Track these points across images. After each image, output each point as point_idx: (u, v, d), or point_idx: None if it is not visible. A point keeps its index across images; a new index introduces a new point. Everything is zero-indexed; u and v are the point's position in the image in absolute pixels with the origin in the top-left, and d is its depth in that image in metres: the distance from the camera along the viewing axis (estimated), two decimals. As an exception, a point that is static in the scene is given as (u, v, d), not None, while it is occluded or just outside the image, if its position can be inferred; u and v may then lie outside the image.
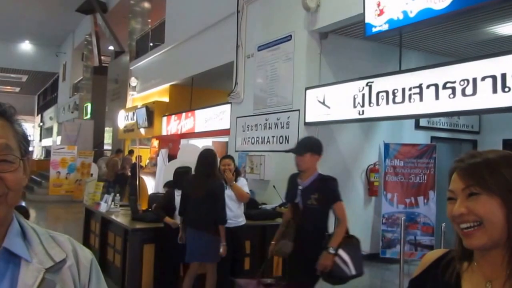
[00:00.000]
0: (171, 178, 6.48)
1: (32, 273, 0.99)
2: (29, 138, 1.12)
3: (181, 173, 5.66)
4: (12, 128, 1.05)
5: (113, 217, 6.52)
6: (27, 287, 0.98)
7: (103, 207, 6.95)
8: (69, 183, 15.99)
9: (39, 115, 37.18)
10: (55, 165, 16.03)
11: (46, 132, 34.37)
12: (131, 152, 15.40)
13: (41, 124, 35.62)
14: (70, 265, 1.06)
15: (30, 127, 38.95)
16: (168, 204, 5.45)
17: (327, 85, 7.47)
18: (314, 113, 7.59)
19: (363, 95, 6.76)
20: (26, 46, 29.88)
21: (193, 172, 5.56)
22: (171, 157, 10.70)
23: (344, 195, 7.84)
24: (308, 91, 7.70)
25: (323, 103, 7.40)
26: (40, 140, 35.65)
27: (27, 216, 4.65)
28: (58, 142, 22.88)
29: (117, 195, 7.36)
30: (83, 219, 8.12)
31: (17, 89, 37.02)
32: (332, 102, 7.26)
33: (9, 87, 36.38)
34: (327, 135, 7.86)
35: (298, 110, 7.82)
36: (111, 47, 20.75)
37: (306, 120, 7.71)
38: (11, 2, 21.43)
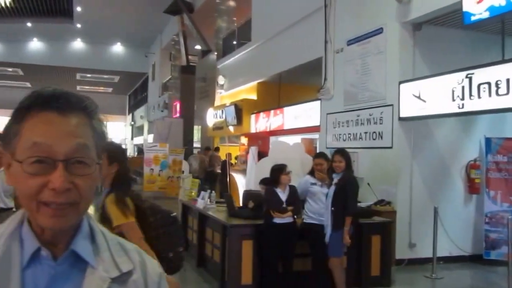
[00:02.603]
0: (263, 175, 6.56)
1: (97, 282, 0.92)
2: (106, 137, 1.01)
3: (277, 170, 5.70)
4: (91, 125, 0.95)
5: (210, 213, 6.73)
6: None
7: (200, 204, 7.18)
8: (162, 179, 16.56)
9: (130, 114, 39.06)
10: (149, 162, 16.67)
11: (137, 130, 36.04)
12: (217, 149, 15.76)
13: (132, 123, 37.38)
14: (136, 279, 0.97)
15: (122, 126, 41.08)
16: (275, 200, 5.51)
17: (422, 78, 7.21)
18: (409, 107, 7.35)
19: (463, 87, 6.45)
20: (117, 48, 31.53)
21: (288, 169, 5.63)
22: (261, 154, 10.82)
23: (442, 192, 7.64)
24: (402, 85, 7.47)
25: (419, 97, 7.15)
26: (132, 139, 37.44)
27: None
28: (149, 140, 23.86)
29: (213, 192, 7.56)
30: (179, 215, 8.43)
31: (110, 90, 39.20)
32: (429, 96, 6.99)
33: (102, 88, 38.64)
34: (423, 130, 7.61)
35: (392, 105, 7.62)
36: (198, 46, 21.33)
37: (401, 115, 7.49)
38: (104, 8, 22.73)
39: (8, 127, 0.92)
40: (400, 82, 7.46)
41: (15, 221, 0.95)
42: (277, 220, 5.45)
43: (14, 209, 5.25)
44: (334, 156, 5.42)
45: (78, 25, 26.19)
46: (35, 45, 29.82)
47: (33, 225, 0.93)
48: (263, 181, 6.19)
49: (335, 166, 5.35)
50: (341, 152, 5.45)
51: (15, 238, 0.92)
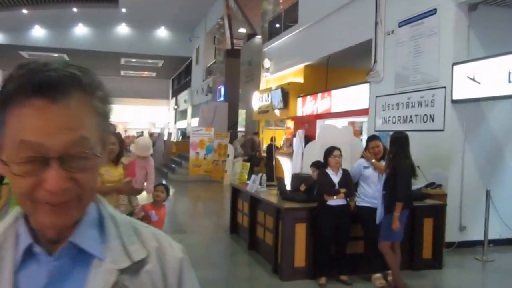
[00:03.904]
0: (311, 159, 6.59)
1: (102, 276, 0.81)
2: (110, 118, 0.86)
3: (326, 153, 5.74)
4: (92, 107, 0.80)
5: (262, 196, 6.83)
6: None
7: (251, 187, 7.28)
8: (207, 163, 16.78)
9: (174, 98, 39.46)
10: (194, 146, 16.91)
11: (180, 114, 36.37)
12: (256, 134, 15.83)
13: (176, 107, 37.75)
14: (151, 269, 0.86)
15: (165, 110, 41.58)
16: (327, 182, 5.58)
17: (477, 59, 7.04)
18: (463, 90, 7.20)
19: (521, 69, 6.27)
20: (162, 33, 31.75)
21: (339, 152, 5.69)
22: (307, 138, 10.85)
23: (494, 175, 7.49)
24: (455, 67, 7.32)
25: (473, 79, 6.99)
26: (175, 123, 37.88)
27: (169, 192, 5.01)
28: (193, 124, 24.09)
29: (264, 175, 7.65)
30: (226, 198, 8.53)
31: (154, 74, 39.64)
32: (483, 78, 6.83)
33: (146, 72, 39.13)
34: (476, 112, 7.47)
35: (445, 87, 7.49)
36: (243, 30, 21.36)
37: (454, 98, 7.35)
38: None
39: None
40: (454, 64, 7.31)
41: (11, 217, 0.86)
42: (330, 202, 5.52)
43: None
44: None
45: (123, 10, 26.46)
46: (81, 30, 30.20)
47: (32, 221, 0.82)
48: (315, 164, 6.24)
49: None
50: (391, 136, 5.52)
51: (10, 235, 0.83)
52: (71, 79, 0.77)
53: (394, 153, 5.27)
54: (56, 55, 31.88)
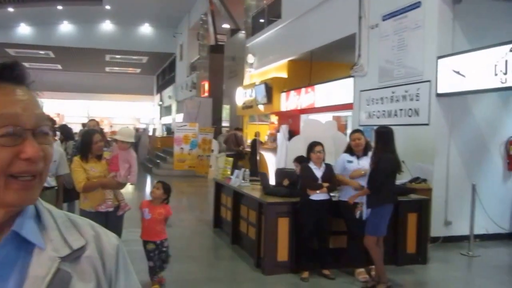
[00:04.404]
0: (295, 153, 6.53)
1: (45, 263, 0.85)
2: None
3: (308, 148, 5.68)
4: (35, 95, 0.91)
5: (245, 191, 6.74)
6: (38, 279, 0.83)
7: (234, 182, 7.19)
8: (192, 158, 16.73)
9: (158, 94, 39.29)
10: (179, 142, 16.83)
11: (165, 110, 36.28)
12: (238, 129, 15.77)
13: (161, 103, 37.60)
14: (90, 255, 0.91)
15: (150, 106, 41.42)
16: (310, 177, 5.50)
17: (462, 52, 6.99)
18: (448, 83, 7.16)
19: (506, 61, 6.22)
20: (145, 29, 31.60)
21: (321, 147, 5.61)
22: (291, 132, 10.76)
23: (480, 169, 7.48)
24: (440, 60, 7.26)
25: (458, 72, 6.94)
26: (160, 118, 37.75)
27: (169, 191, 4.92)
28: (178, 120, 24.02)
29: (246, 170, 7.56)
30: (210, 193, 8.50)
31: (138, 70, 39.42)
32: (469, 71, 6.78)
33: (131, 69, 38.91)
34: (461, 106, 7.44)
35: (429, 80, 7.44)
36: (226, 25, 21.22)
37: (438, 91, 7.30)
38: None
39: None
40: (439, 57, 7.26)
41: None
42: (313, 196, 5.46)
43: (56, 187, 5.34)
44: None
45: (107, 7, 26.32)
46: (66, 27, 30.14)
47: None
48: (298, 159, 6.17)
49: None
50: (375, 130, 5.43)
51: None
52: (20, 66, 0.89)
53: (379, 148, 5.18)
54: (42, 52, 31.69)
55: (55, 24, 29.39)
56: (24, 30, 29.48)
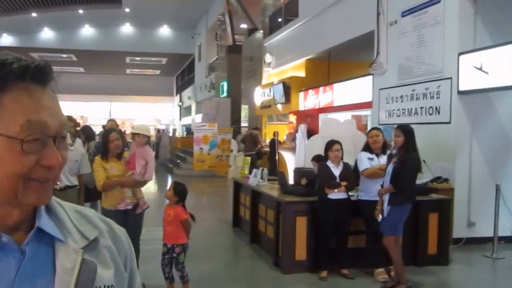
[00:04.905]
0: (314, 153, 6.48)
1: (70, 255, 0.86)
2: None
3: (326, 146, 5.62)
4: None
5: (263, 190, 6.71)
6: (67, 271, 0.85)
7: (252, 181, 7.17)
8: (211, 158, 16.79)
9: (178, 95, 39.54)
10: (198, 142, 16.92)
11: (185, 111, 36.50)
12: (257, 128, 15.76)
13: (180, 103, 37.83)
14: (106, 243, 0.94)
15: (170, 107, 41.74)
16: (328, 175, 5.44)
17: (484, 48, 6.84)
18: (469, 80, 7.01)
19: (531, 57, 6.07)
20: (164, 31, 31.85)
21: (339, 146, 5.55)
22: (310, 132, 10.71)
23: (504, 169, 7.30)
24: (461, 57, 7.12)
25: (480, 69, 6.79)
26: (180, 119, 37.98)
27: (185, 192, 4.86)
28: (197, 120, 24.14)
29: (265, 169, 7.54)
30: (230, 192, 8.50)
31: (158, 72, 39.81)
32: (491, 67, 6.63)
33: (150, 70, 39.31)
34: (484, 104, 7.27)
35: (450, 78, 7.29)
36: (244, 25, 21.22)
37: (460, 89, 7.16)
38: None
39: None
40: (460, 54, 7.12)
41: None
42: (332, 196, 5.40)
43: (78, 187, 5.39)
44: (394, 131, 5.24)
45: (127, 10, 26.70)
46: (87, 31, 30.66)
47: (11, 203, 0.84)
48: (316, 158, 6.12)
49: (394, 141, 5.17)
50: (401, 127, 5.25)
51: None
52: (50, 68, 0.87)
53: (406, 146, 5.07)
54: (65, 55, 32.28)
55: (76, 28, 29.95)
56: (47, 34, 30.10)
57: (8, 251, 0.82)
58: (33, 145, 0.81)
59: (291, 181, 7.00)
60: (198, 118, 25.78)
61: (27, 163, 0.81)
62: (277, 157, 12.29)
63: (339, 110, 11.50)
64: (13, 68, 0.81)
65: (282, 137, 14.89)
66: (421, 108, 7.91)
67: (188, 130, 28.56)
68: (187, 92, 34.53)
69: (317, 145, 7.54)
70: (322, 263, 5.56)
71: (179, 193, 4.82)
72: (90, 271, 0.87)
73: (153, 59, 34.37)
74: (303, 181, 6.24)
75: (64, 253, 0.86)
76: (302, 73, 14.21)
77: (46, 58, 30.92)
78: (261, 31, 17.86)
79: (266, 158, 13.67)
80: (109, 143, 4.73)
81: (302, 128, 10.66)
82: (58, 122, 0.85)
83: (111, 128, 6.23)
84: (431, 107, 7.70)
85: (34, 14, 25.77)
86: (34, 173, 0.82)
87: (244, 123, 20.46)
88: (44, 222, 0.87)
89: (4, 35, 29.14)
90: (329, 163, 5.50)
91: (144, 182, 4.89)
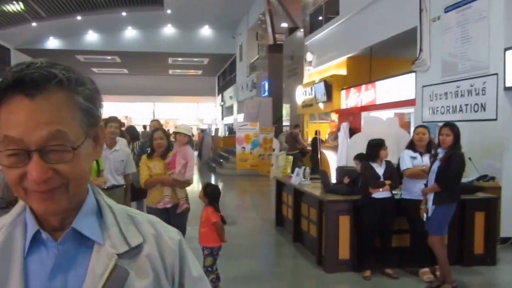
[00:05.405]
0: (356, 151, 6.47)
1: (103, 260, 0.88)
2: (95, 112, 0.91)
3: (377, 145, 5.58)
4: (71, 101, 0.85)
5: (306, 189, 6.77)
6: (96, 276, 0.86)
7: (295, 180, 7.24)
8: (253, 157, 16.91)
9: (220, 95, 39.89)
10: (240, 141, 17.08)
11: (227, 110, 36.80)
12: (297, 126, 15.75)
13: (222, 103, 38.16)
14: (149, 252, 0.93)
15: (212, 107, 42.18)
16: (372, 174, 5.45)
17: (532, 43, 6.66)
18: (517, 76, 6.83)
19: None
20: (206, 31, 32.18)
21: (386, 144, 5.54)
22: (352, 130, 10.66)
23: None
24: (508, 52, 6.95)
25: (528, 64, 6.62)
26: (222, 119, 38.32)
27: (217, 194, 4.90)
28: (239, 120, 24.32)
29: (307, 168, 7.59)
30: (272, 192, 8.58)
31: (200, 72, 40.25)
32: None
33: (192, 71, 39.81)
34: (532, 100, 7.06)
35: (496, 74, 7.13)
36: (284, 24, 21.25)
37: (507, 85, 6.98)
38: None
39: None
40: (506, 49, 6.95)
41: (19, 207, 0.93)
42: (376, 195, 5.40)
43: (124, 186, 5.60)
44: (441, 129, 5.13)
45: (168, 11, 27.09)
46: (130, 33, 31.33)
47: (33, 210, 0.90)
48: (358, 157, 6.11)
49: (441, 140, 5.07)
50: (450, 125, 5.09)
51: (19, 224, 0.90)
52: (47, 77, 0.83)
53: (453, 145, 4.99)
54: (109, 57, 33.17)
55: (120, 30, 30.60)
56: (92, 37, 30.93)
57: (49, 247, 0.88)
58: (11, 160, 0.83)
59: (333, 179, 7.01)
60: (240, 117, 25.97)
61: (12, 176, 0.83)
62: (319, 156, 12.31)
63: (381, 108, 11.39)
64: (3, 82, 0.83)
65: (324, 135, 14.87)
66: (466, 105, 7.77)
67: (230, 129, 28.81)
68: (229, 92, 34.80)
69: (359, 144, 7.52)
70: (366, 262, 5.57)
71: (209, 194, 4.77)
72: (119, 278, 0.87)
73: (195, 59, 34.78)
74: (346, 180, 6.26)
75: (97, 256, 0.89)
76: (343, 71, 14.14)
77: (91, 60, 32.05)
78: (302, 30, 17.85)
79: (308, 157, 13.69)
80: (152, 141, 4.94)
81: (344, 126, 10.63)
82: (39, 135, 0.81)
83: (157, 127, 6.42)
84: (476, 104, 7.55)
85: (79, 17, 26.50)
86: (25, 184, 0.84)
87: (285, 122, 20.49)
88: (82, 223, 0.89)
89: (51, 38, 30.04)
90: (372, 162, 5.50)
91: (185, 182, 4.94)
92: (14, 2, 21.83)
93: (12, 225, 0.90)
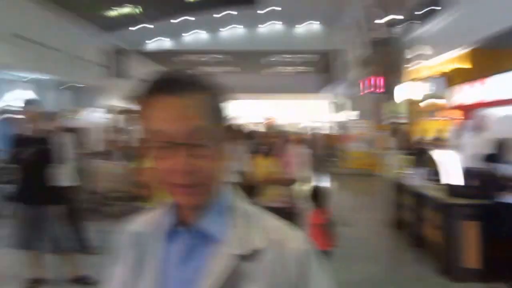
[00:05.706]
0: (482, 151, 6.00)
1: (222, 259, 0.93)
2: (225, 113, 0.99)
3: (503, 145, 5.16)
4: (207, 104, 0.95)
5: (427, 191, 6.42)
6: (213, 274, 0.92)
7: (415, 181, 6.90)
8: (367, 156, 16.50)
9: (330, 92, 39.43)
10: (353, 139, 16.76)
11: (338, 108, 36.34)
12: (405, 124, 15.03)
13: (333, 100, 37.76)
14: (271, 258, 0.94)
15: (324, 104, 41.94)
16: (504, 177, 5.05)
17: None
18: None
19: None
20: (312, 27, 32.07)
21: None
22: (475, 128, 9.93)
23: None
24: None
25: None
26: (334, 116, 37.94)
27: (318, 195, 4.78)
28: (351, 117, 23.96)
29: (428, 169, 7.19)
30: (387, 192, 8.28)
31: (309, 69, 40.13)
32: None
33: (301, 68, 39.79)
34: None
35: None
36: (393, 16, 20.42)
37: None
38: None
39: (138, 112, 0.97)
40: None
41: (169, 201, 1.04)
42: (511, 199, 4.95)
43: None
44: None
45: (273, 8, 27.51)
46: (234, 31, 32.01)
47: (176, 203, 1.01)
48: (490, 158, 5.67)
49: None
50: None
51: (164, 217, 1.03)
52: (191, 80, 0.95)
53: None
54: (220, 56, 34.33)
55: (225, 29, 31.42)
56: (198, 36, 31.96)
57: (182, 240, 0.99)
58: (162, 152, 0.92)
59: (457, 181, 6.56)
60: (352, 114, 25.57)
61: (162, 168, 0.93)
62: (438, 156, 11.66)
63: (509, 103, 10.43)
64: (152, 85, 0.95)
65: (445, 134, 14.05)
66: None
67: (342, 127, 28.43)
68: (340, 89, 34.41)
69: (487, 144, 6.99)
70: (498, 273, 5.14)
71: (312, 195, 4.75)
72: (235, 280, 0.92)
73: (303, 56, 34.77)
74: (474, 183, 5.82)
75: (217, 255, 0.95)
76: (464, 64, 13.18)
77: (199, 59, 33.49)
78: (413, 21, 17.00)
79: (427, 157, 13.01)
80: (267, 140, 4.98)
81: (468, 124, 9.92)
82: (184, 129, 0.92)
83: (272, 126, 6.50)
84: None
85: (186, 18, 27.58)
86: (172, 178, 0.93)
87: (401, 120, 19.74)
88: (206, 222, 0.97)
89: (161, 38, 31.33)
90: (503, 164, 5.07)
91: (296, 181, 4.94)
92: (131, 5, 23.12)
93: (162, 218, 1.03)
